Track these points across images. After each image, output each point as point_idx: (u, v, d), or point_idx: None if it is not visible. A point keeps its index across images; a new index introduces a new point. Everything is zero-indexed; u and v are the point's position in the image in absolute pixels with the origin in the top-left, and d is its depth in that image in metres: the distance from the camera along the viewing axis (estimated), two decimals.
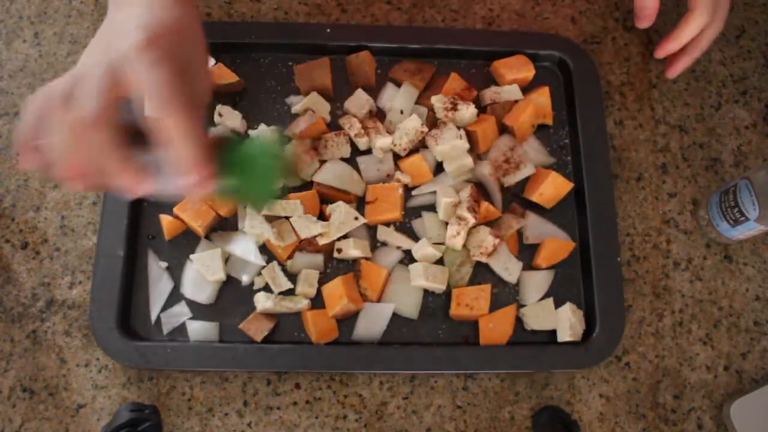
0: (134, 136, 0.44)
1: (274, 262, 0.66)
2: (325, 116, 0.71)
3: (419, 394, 0.65)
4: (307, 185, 0.69)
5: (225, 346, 0.63)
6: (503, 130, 0.72)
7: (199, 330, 0.64)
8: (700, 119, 0.76)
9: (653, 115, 0.76)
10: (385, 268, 0.66)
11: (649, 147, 0.75)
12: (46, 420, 0.63)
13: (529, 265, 0.69)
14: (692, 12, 0.67)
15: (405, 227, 0.69)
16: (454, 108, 0.69)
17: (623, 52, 0.78)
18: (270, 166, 0.46)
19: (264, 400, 0.64)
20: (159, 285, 0.66)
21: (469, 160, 0.68)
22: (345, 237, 0.66)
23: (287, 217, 0.66)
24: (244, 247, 0.66)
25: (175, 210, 0.66)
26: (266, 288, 0.66)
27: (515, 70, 0.73)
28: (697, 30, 0.68)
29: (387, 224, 0.68)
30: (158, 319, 0.65)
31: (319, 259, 0.67)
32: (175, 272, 0.66)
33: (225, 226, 0.68)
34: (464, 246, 0.67)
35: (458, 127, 0.69)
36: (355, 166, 0.70)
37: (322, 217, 0.67)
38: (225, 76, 0.71)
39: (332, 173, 0.68)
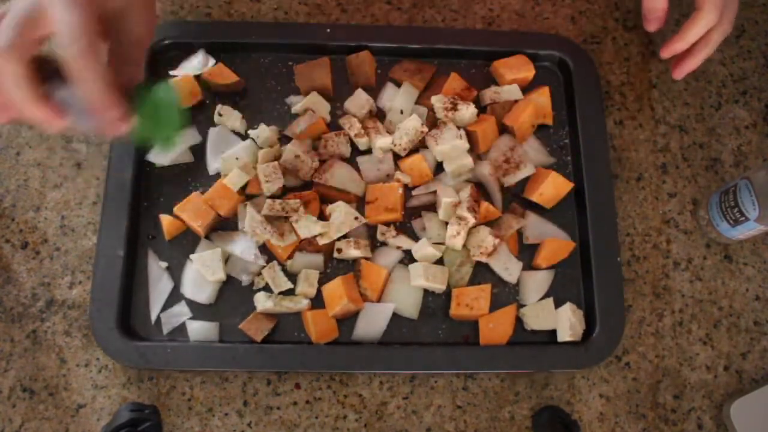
0: (57, 73, 0.47)
1: (274, 262, 0.66)
2: (325, 116, 0.71)
3: (419, 394, 0.65)
4: (307, 185, 0.69)
5: (225, 346, 0.63)
6: (503, 130, 0.72)
7: (199, 330, 0.64)
8: (700, 119, 0.76)
9: (653, 115, 0.76)
10: (385, 268, 0.66)
11: (649, 147, 0.75)
12: (46, 420, 0.63)
13: (529, 265, 0.69)
14: (700, 11, 0.65)
15: (405, 227, 0.69)
16: (454, 108, 0.69)
17: (623, 52, 0.78)
18: (173, 110, 0.51)
19: (264, 400, 0.64)
20: (159, 285, 0.66)
21: (469, 160, 0.68)
22: (345, 237, 0.66)
23: (287, 217, 0.66)
24: (244, 247, 0.66)
25: (175, 210, 0.66)
26: (266, 288, 0.66)
27: (515, 70, 0.73)
28: (704, 29, 0.66)
29: (387, 224, 0.68)
30: (158, 319, 0.65)
31: (319, 259, 0.67)
32: (175, 272, 0.66)
33: (225, 226, 0.68)
34: (464, 246, 0.67)
35: (458, 127, 0.69)
36: (355, 166, 0.70)
37: (322, 217, 0.67)
38: (225, 76, 0.71)
39: (332, 173, 0.68)
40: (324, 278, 0.66)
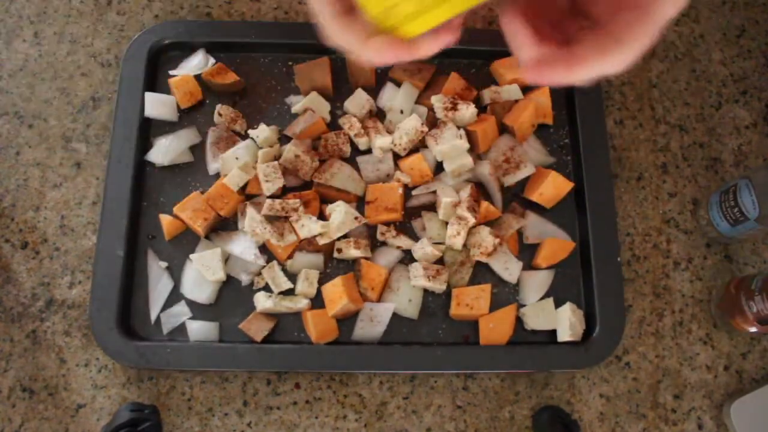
0: None
1: (274, 262, 0.66)
2: (325, 116, 0.71)
3: (419, 394, 0.65)
4: (307, 185, 0.69)
5: (225, 346, 0.63)
6: (503, 129, 0.72)
7: (199, 330, 0.64)
8: (700, 119, 0.76)
9: (653, 115, 0.76)
10: (385, 268, 0.66)
11: (649, 147, 0.75)
12: (46, 420, 0.63)
13: (529, 265, 0.69)
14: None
15: (405, 227, 0.69)
16: (454, 108, 0.69)
17: None
18: None
19: (264, 400, 0.64)
20: (159, 285, 0.66)
21: (469, 160, 0.68)
22: (345, 237, 0.66)
23: (287, 217, 0.66)
24: (244, 247, 0.66)
25: (175, 210, 0.66)
26: (266, 288, 0.66)
27: (515, 69, 0.73)
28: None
29: (387, 224, 0.68)
30: (158, 319, 0.65)
31: (319, 259, 0.67)
32: (175, 272, 0.66)
33: (225, 226, 0.68)
34: (464, 246, 0.67)
35: (458, 127, 0.69)
36: (355, 166, 0.70)
37: (322, 217, 0.67)
38: (225, 76, 0.71)
39: (332, 173, 0.68)
40: (324, 278, 0.66)
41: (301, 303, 0.64)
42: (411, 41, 0.39)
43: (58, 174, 0.70)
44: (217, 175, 0.69)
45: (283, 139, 0.70)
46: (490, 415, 0.65)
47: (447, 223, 0.67)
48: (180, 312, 0.65)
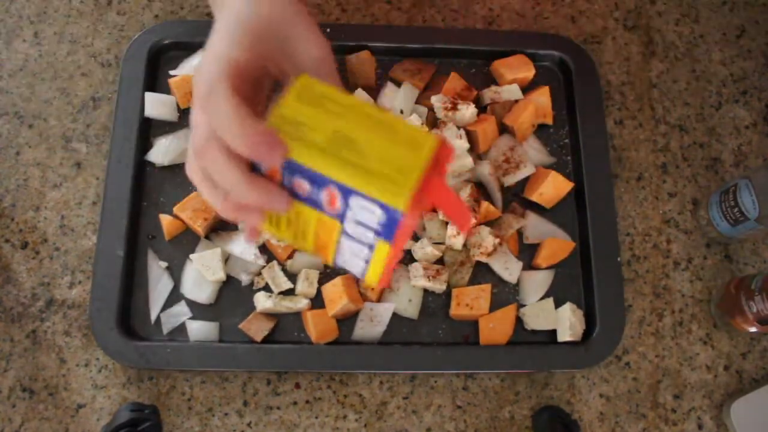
0: None
1: (274, 262, 0.66)
2: None
3: (419, 394, 0.65)
4: None
5: (225, 346, 0.63)
6: (503, 129, 0.72)
7: (199, 330, 0.64)
8: (700, 119, 0.76)
9: (653, 115, 0.76)
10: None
11: (649, 147, 0.75)
12: (46, 420, 0.63)
13: (529, 265, 0.69)
14: None
15: None
16: (454, 108, 0.69)
17: (623, 51, 0.78)
18: None
19: (264, 400, 0.64)
20: (159, 285, 0.66)
21: (469, 160, 0.68)
22: None
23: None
24: (244, 247, 0.66)
25: (175, 210, 0.66)
26: (266, 288, 0.66)
27: (515, 69, 0.73)
28: None
29: None
30: (158, 319, 0.65)
31: (319, 259, 0.67)
32: (175, 272, 0.66)
33: (225, 226, 0.68)
34: (464, 246, 0.67)
35: (458, 127, 0.69)
36: None
37: None
38: None
39: None
40: (324, 278, 0.66)
41: (301, 303, 0.64)
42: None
43: (58, 174, 0.70)
44: None
45: None
46: (490, 415, 0.65)
47: (447, 223, 0.67)
48: (180, 312, 0.65)
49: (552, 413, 0.63)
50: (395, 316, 0.66)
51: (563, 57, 0.74)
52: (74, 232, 0.68)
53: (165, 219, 0.66)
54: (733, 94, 0.77)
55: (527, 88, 0.73)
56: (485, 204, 0.67)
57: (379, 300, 0.66)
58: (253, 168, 0.40)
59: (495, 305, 0.66)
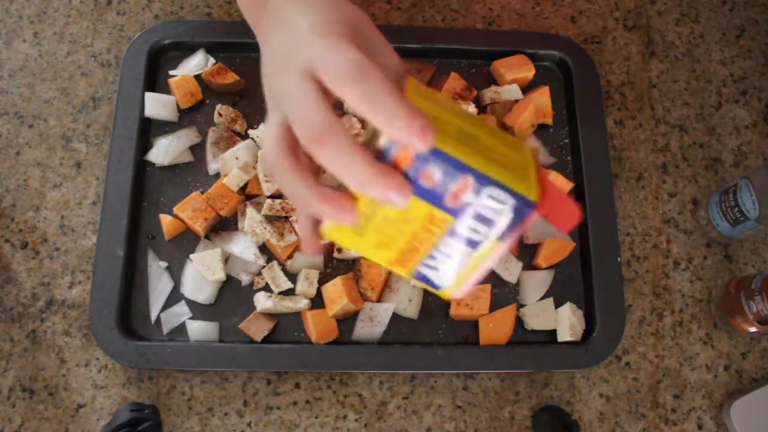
0: None
1: (274, 262, 0.66)
2: None
3: (419, 394, 0.65)
4: None
5: (225, 346, 0.63)
6: (503, 129, 0.72)
7: (199, 330, 0.64)
8: (700, 119, 0.76)
9: (653, 115, 0.76)
10: (385, 268, 0.66)
11: (649, 147, 0.75)
12: (46, 420, 0.63)
13: (529, 265, 0.69)
14: None
15: None
16: None
17: (623, 51, 0.78)
18: None
19: (264, 400, 0.64)
20: (159, 285, 0.66)
21: None
22: None
23: (287, 217, 0.66)
24: (243, 247, 0.66)
25: (175, 210, 0.66)
26: (266, 288, 0.66)
27: (515, 69, 0.73)
28: None
29: None
30: (158, 318, 0.65)
31: (319, 259, 0.67)
32: (175, 272, 0.66)
33: (225, 226, 0.68)
34: None
35: None
36: None
37: None
38: (225, 76, 0.71)
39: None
40: (324, 278, 0.66)
41: (301, 303, 0.64)
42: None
43: (58, 174, 0.70)
44: (217, 175, 0.69)
45: None
46: (490, 415, 0.65)
47: None
48: (180, 312, 0.65)
49: (552, 413, 0.63)
50: (395, 316, 0.66)
51: (563, 57, 0.74)
52: (74, 232, 0.68)
53: (165, 219, 0.66)
54: (733, 94, 0.77)
55: (527, 88, 0.73)
56: None
57: (379, 300, 0.66)
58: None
59: (495, 305, 0.66)
